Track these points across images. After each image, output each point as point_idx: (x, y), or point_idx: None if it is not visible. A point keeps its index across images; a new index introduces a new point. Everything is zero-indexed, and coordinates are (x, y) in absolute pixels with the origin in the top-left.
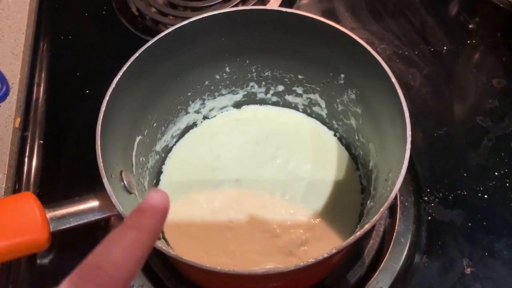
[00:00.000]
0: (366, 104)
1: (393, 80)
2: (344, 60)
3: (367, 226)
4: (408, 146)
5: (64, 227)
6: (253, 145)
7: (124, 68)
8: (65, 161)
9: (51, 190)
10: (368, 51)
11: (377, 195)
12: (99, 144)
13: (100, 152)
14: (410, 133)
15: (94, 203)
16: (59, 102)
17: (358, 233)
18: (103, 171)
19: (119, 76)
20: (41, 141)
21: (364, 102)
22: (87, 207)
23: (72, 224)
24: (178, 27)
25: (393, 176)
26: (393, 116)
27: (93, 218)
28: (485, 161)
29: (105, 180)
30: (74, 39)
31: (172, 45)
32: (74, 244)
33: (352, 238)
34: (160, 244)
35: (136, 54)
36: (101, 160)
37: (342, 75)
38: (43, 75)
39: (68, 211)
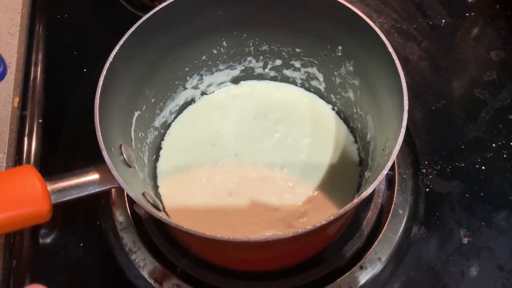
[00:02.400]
0: (364, 75)
1: (390, 49)
2: (341, 32)
3: (364, 193)
4: (405, 114)
5: (65, 199)
6: (252, 120)
7: (121, 42)
8: (64, 139)
9: (51, 168)
10: (365, 22)
11: (374, 165)
12: (97, 116)
13: (98, 125)
14: (407, 101)
15: (95, 176)
16: (57, 80)
17: (356, 200)
18: (102, 144)
19: (116, 50)
20: (40, 120)
21: (361, 74)
22: (87, 180)
23: (73, 196)
24: (174, 0)
25: (390, 146)
26: (390, 86)
27: (93, 191)
28: (483, 133)
29: (104, 153)
30: (70, 18)
31: (168, 19)
32: (76, 222)
33: (349, 205)
34: (161, 215)
35: (133, 28)
36: (100, 133)
37: (340, 47)
38: (40, 54)
39: (69, 183)
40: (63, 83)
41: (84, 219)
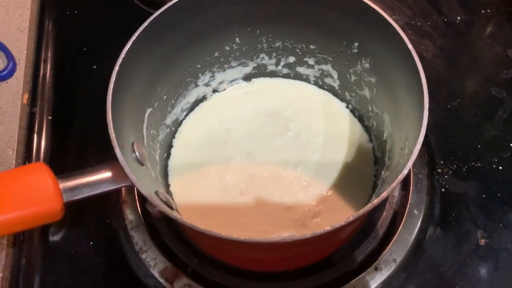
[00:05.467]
0: (381, 73)
1: (409, 45)
2: (357, 27)
3: (384, 194)
4: (426, 112)
5: (77, 197)
6: (264, 118)
7: (134, 37)
8: (74, 136)
9: (61, 166)
10: (382, 17)
11: (392, 165)
12: (110, 113)
13: (111, 121)
14: (428, 98)
15: (107, 174)
16: (67, 77)
17: (376, 200)
18: (115, 141)
19: (129, 46)
20: (50, 117)
21: (378, 71)
22: (100, 178)
23: (85, 195)
24: None
25: (410, 145)
26: (409, 83)
27: (106, 189)
28: (500, 133)
29: (117, 150)
30: (80, 14)
31: (181, 15)
32: (86, 220)
33: (369, 206)
34: (175, 214)
35: (145, 24)
36: (112, 130)
37: (356, 44)
38: (49, 51)
39: (81, 181)
40: (73, 80)
41: (94, 217)
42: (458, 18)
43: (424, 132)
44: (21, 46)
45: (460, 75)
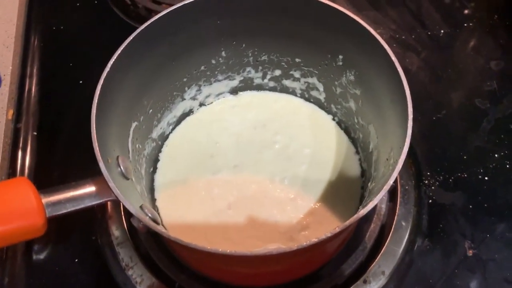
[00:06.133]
0: (366, 85)
1: (393, 57)
2: (342, 41)
3: (370, 204)
4: (410, 123)
5: (60, 212)
6: (251, 131)
7: (119, 51)
8: (59, 152)
9: (46, 181)
10: (367, 30)
11: (378, 176)
12: (94, 126)
13: (95, 135)
14: (412, 109)
15: (91, 188)
16: (52, 93)
17: (361, 211)
18: (99, 155)
19: (114, 59)
20: (35, 133)
21: (363, 83)
22: (83, 192)
23: (69, 210)
24: (172, 9)
25: (395, 155)
26: (393, 94)
27: (90, 204)
28: (485, 143)
29: (101, 164)
30: (66, 29)
31: (166, 28)
32: (71, 237)
33: (355, 217)
34: (160, 228)
35: (131, 37)
36: (96, 144)
37: (341, 56)
38: (35, 66)
39: (64, 196)
40: (59, 95)
41: (79, 233)
42: (442, 31)
43: (409, 142)
44: (6, 61)
45: (445, 87)
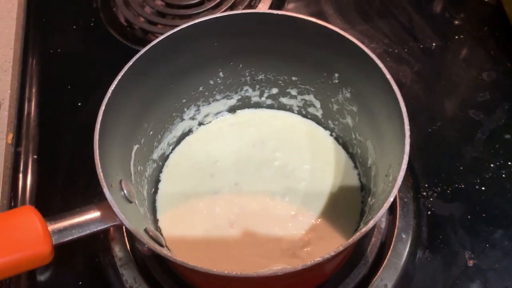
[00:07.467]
0: (362, 101)
1: (388, 75)
2: (337, 59)
3: (371, 222)
4: (407, 140)
5: (66, 239)
6: (250, 149)
7: (119, 76)
8: (60, 175)
9: (48, 205)
10: (361, 49)
11: (378, 192)
12: (97, 152)
13: (99, 161)
14: (409, 127)
15: (96, 214)
16: (52, 116)
17: (364, 229)
18: (103, 181)
19: (115, 85)
20: (35, 156)
21: (359, 100)
22: (88, 218)
23: (75, 236)
24: (172, 33)
25: (394, 171)
26: (390, 111)
27: (95, 229)
28: (481, 154)
29: (105, 190)
30: (63, 52)
31: (165, 52)
32: (74, 259)
33: (358, 235)
34: (165, 252)
35: (130, 63)
36: (100, 170)
37: (336, 75)
38: (33, 90)
39: (70, 223)
40: (58, 118)
41: (83, 255)
42: (434, 44)
43: (407, 160)
44: (4, 86)
45: (439, 99)
